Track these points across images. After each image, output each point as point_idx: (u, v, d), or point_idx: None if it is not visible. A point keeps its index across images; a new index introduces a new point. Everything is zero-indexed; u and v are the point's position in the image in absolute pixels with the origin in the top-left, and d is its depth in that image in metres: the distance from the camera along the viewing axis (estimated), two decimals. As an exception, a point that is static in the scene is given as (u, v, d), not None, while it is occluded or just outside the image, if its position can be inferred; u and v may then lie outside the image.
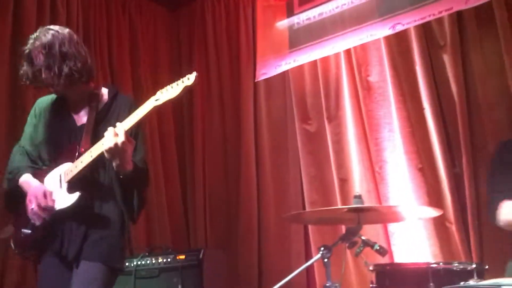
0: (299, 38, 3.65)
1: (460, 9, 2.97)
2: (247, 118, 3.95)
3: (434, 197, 3.05)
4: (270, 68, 3.75)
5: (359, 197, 2.03)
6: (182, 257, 3.02)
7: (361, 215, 2.00)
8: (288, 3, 3.76)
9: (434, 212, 2.25)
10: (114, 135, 1.86)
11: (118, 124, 1.90)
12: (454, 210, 2.94)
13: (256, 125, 3.93)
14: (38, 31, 2.11)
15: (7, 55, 3.24)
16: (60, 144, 2.12)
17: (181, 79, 1.85)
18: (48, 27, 2.13)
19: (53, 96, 2.21)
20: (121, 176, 1.95)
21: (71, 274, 1.96)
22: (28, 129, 2.23)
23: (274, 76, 3.76)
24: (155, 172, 3.97)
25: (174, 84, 1.86)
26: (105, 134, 1.89)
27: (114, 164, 1.91)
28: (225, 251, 3.54)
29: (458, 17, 3.10)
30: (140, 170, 2.01)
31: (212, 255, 3.18)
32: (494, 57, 2.98)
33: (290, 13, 3.73)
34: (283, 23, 3.76)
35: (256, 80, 3.85)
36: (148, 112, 1.89)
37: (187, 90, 1.83)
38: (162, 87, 4.29)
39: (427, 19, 3.06)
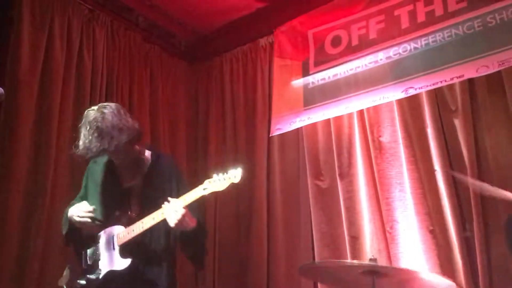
0: (313, 97, 3.76)
1: (471, 77, 3.09)
2: (260, 172, 4.01)
3: (445, 260, 3.05)
4: (285, 124, 3.85)
5: (374, 260, 2.04)
6: (192, 309, 3.01)
7: (376, 280, 1.99)
8: (304, 63, 3.90)
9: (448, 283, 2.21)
10: (174, 212, 2.16)
11: (173, 201, 2.19)
12: (465, 275, 2.93)
13: (269, 179, 3.99)
14: (93, 109, 2.37)
15: (33, 102, 3.37)
16: (109, 205, 2.39)
17: (228, 174, 2.20)
18: (101, 105, 2.41)
19: (103, 158, 2.47)
20: (187, 233, 2.25)
21: None
22: (81, 191, 2.55)
23: (288, 132, 3.85)
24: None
25: (221, 177, 2.21)
26: (164, 210, 2.18)
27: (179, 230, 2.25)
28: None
29: (469, 84, 3.20)
30: (201, 225, 2.34)
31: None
32: (505, 124, 3.05)
33: (305, 72, 3.87)
34: (298, 82, 3.89)
35: (270, 135, 3.94)
36: (196, 199, 2.22)
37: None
38: (178, 138, 4.44)
39: (439, 85, 3.17)
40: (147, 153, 2.50)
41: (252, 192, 4.02)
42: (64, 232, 2.46)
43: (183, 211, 2.16)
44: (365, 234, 3.39)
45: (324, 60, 3.80)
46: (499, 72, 3.03)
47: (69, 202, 2.61)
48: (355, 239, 3.41)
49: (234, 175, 2.17)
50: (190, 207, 2.26)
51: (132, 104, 4.08)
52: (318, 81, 3.79)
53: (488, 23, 3.07)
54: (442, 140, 3.23)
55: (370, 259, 2.03)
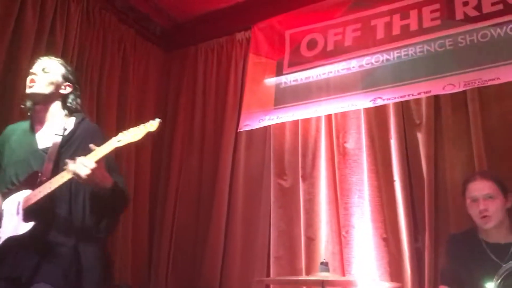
0: (284, 97, 3.79)
1: (438, 93, 3.18)
2: (224, 166, 4.02)
3: (395, 268, 3.15)
4: (254, 121, 3.87)
5: (325, 264, 2.08)
6: (142, 298, 3.00)
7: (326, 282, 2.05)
8: (279, 62, 3.92)
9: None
10: (83, 165, 1.93)
11: (83, 157, 1.96)
12: (412, 283, 3.03)
13: (232, 173, 4.00)
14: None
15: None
16: (23, 167, 2.16)
17: (145, 124, 1.99)
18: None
19: (23, 123, 2.37)
20: (100, 194, 2.01)
21: None
22: None
23: (256, 129, 3.87)
24: (125, 206, 3.98)
25: (137, 128, 1.99)
26: (69, 166, 1.96)
27: (92, 186, 2.00)
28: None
29: (435, 100, 3.31)
30: (119, 189, 2.06)
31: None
32: (464, 142, 3.16)
33: (279, 72, 3.89)
34: (271, 81, 3.91)
35: (238, 130, 3.96)
36: (110, 152, 1.99)
37: (150, 135, 1.98)
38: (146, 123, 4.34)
39: (406, 98, 3.25)
40: (71, 119, 2.31)
41: (214, 185, 4.02)
42: None
43: (93, 165, 1.94)
44: (321, 236, 3.46)
45: (298, 62, 3.83)
46: (464, 91, 3.14)
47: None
48: (311, 240, 3.48)
49: (151, 124, 2.00)
50: (110, 168, 2.10)
51: (101, 86, 4.00)
52: (290, 81, 3.82)
53: (459, 43, 3.17)
54: (404, 151, 3.32)
55: (322, 263, 2.08)
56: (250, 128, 3.90)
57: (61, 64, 2.45)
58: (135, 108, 4.32)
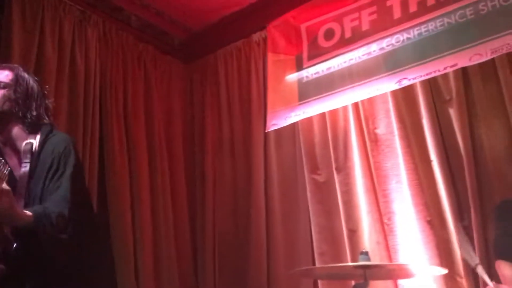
0: (308, 91, 3.75)
1: (464, 65, 3.07)
2: (257, 167, 4.01)
3: (444, 250, 3.05)
4: (280, 119, 3.84)
5: (365, 253, 2.05)
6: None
7: (368, 271, 2.01)
8: (298, 57, 3.89)
9: (441, 270, 2.25)
10: None
11: None
12: (464, 263, 2.93)
13: (266, 174, 3.98)
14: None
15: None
16: None
17: None
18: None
19: None
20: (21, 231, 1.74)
21: None
22: None
23: (284, 127, 3.84)
24: (165, 216, 4.03)
25: None
26: None
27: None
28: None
29: (463, 73, 3.19)
30: (39, 222, 1.72)
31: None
32: (499, 111, 3.04)
33: (299, 67, 3.85)
34: (292, 77, 3.88)
35: (266, 131, 3.93)
36: None
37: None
38: (174, 136, 4.34)
39: (433, 74, 3.15)
40: (38, 137, 1.98)
41: (250, 188, 4.01)
42: None
43: None
44: (363, 227, 3.39)
45: (317, 54, 3.78)
46: (492, 60, 3.02)
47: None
48: (353, 232, 3.40)
49: None
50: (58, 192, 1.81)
51: (127, 105, 4.06)
52: (312, 75, 3.77)
53: (480, 10, 3.05)
54: (437, 130, 3.22)
55: (361, 252, 2.04)
56: (277, 127, 3.87)
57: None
58: (162, 122, 4.37)
